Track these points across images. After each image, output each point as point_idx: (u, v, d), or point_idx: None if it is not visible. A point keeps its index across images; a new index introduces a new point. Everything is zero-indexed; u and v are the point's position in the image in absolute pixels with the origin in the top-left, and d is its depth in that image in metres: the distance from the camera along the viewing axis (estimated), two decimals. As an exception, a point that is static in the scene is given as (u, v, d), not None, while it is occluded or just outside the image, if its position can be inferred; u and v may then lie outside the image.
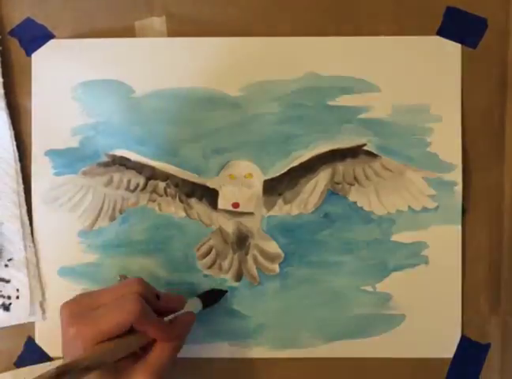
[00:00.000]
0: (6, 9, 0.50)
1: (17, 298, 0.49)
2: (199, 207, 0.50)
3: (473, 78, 0.50)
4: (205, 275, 0.50)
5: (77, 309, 0.40)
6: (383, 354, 0.50)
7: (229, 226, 0.50)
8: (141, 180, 0.50)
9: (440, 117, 0.49)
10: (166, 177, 0.50)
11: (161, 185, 0.50)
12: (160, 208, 0.50)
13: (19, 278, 0.49)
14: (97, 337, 0.38)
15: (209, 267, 0.50)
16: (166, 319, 0.42)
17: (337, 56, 0.49)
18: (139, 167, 0.50)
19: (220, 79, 0.50)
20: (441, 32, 0.50)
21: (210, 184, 0.50)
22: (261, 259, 0.50)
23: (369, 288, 0.50)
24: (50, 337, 0.50)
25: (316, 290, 0.50)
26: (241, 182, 0.50)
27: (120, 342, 0.39)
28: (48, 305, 0.50)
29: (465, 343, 0.50)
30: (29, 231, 0.50)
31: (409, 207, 0.50)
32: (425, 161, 0.49)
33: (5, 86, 0.49)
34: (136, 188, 0.50)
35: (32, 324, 0.50)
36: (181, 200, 0.50)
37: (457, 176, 0.49)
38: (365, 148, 0.50)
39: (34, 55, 0.50)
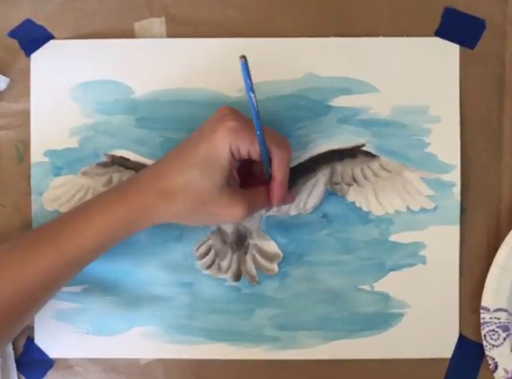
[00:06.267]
0: (6, 9, 0.50)
1: None
2: (198, 207, 0.50)
3: (472, 79, 0.50)
4: (204, 275, 0.50)
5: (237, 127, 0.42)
6: (381, 356, 0.50)
7: (228, 226, 0.50)
8: (141, 180, 0.50)
9: (439, 117, 0.50)
10: (165, 177, 0.50)
11: (160, 185, 0.50)
12: (160, 208, 0.50)
13: None
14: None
15: (208, 267, 0.50)
16: None
17: (336, 57, 0.49)
18: (138, 167, 0.50)
19: (219, 80, 0.50)
20: (439, 33, 0.50)
21: (209, 184, 0.50)
22: (260, 259, 0.50)
23: (367, 287, 0.50)
24: (50, 338, 0.50)
25: (314, 290, 0.50)
26: (240, 183, 0.50)
27: None
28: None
29: (463, 343, 0.50)
30: None
31: (408, 207, 0.50)
32: (423, 161, 0.49)
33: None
34: (135, 188, 0.50)
35: (31, 325, 0.50)
36: (180, 201, 0.50)
37: (455, 176, 0.49)
38: (364, 148, 0.50)
39: (33, 56, 0.50)
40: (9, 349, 0.49)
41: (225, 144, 0.42)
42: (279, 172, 0.44)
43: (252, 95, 0.40)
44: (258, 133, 0.41)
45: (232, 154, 0.42)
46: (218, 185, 0.42)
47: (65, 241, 0.43)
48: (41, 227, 0.45)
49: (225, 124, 0.42)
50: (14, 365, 0.50)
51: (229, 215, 0.44)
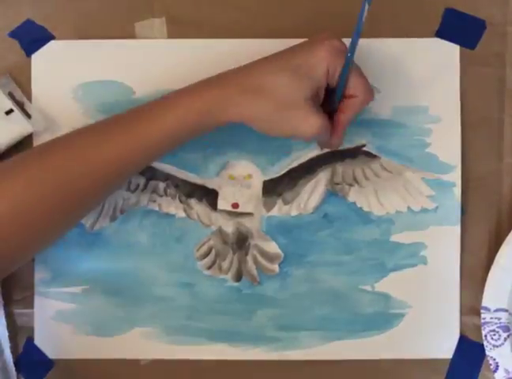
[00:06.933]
0: (6, 10, 0.50)
1: None
2: (199, 207, 0.50)
3: (472, 79, 0.50)
4: (205, 276, 0.50)
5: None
6: (382, 356, 0.50)
7: (229, 226, 0.50)
8: (142, 180, 0.50)
9: (439, 118, 0.50)
10: (166, 177, 0.50)
11: (161, 185, 0.50)
12: (160, 208, 0.50)
13: None
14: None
15: (209, 267, 0.50)
16: None
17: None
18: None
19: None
20: (440, 34, 0.50)
21: (210, 184, 0.50)
22: (260, 259, 0.50)
23: (368, 288, 0.50)
24: (50, 338, 0.50)
25: (315, 290, 0.50)
26: (240, 183, 0.50)
27: None
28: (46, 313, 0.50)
29: (464, 343, 0.50)
30: None
31: (408, 207, 0.50)
32: (424, 162, 0.50)
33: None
34: (136, 188, 0.50)
35: (31, 325, 0.50)
36: (181, 201, 0.50)
37: (456, 177, 0.49)
38: (364, 148, 0.50)
39: (34, 56, 0.50)
40: (8, 351, 0.49)
41: (325, 59, 0.42)
42: (353, 109, 0.44)
43: (367, 7, 0.40)
44: (349, 54, 0.42)
45: (328, 72, 0.42)
46: (305, 93, 0.42)
47: (142, 129, 0.42)
48: (117, 116, 0.45)
49: (332, 42, 0.42)
50: (13, 366, 0.50)
51: (307, 125, 0.42)
